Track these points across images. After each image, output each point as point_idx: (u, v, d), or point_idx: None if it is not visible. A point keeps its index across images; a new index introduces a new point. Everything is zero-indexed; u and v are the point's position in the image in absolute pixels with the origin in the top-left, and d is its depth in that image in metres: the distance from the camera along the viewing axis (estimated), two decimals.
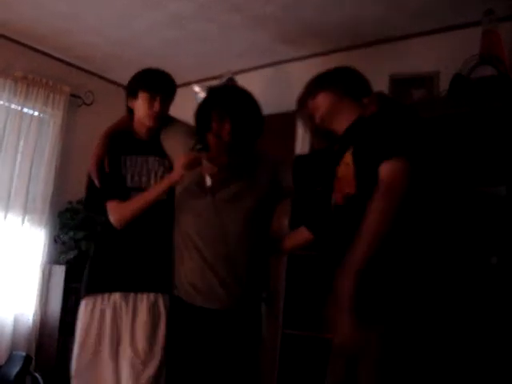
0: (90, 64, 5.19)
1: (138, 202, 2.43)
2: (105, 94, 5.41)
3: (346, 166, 2.11)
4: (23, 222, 4.62)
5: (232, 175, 2.44)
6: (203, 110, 2.44)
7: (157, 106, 2.54)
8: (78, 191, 4.89)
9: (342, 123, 2.22)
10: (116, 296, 2.43)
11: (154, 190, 2.44)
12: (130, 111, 2.68)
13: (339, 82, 2.26)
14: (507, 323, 2.81)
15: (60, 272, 4.59)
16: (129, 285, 2.44)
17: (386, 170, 1.89)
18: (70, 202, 4.88)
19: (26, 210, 4.64)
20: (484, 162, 3.13)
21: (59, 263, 4.67)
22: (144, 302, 2.41)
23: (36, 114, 4.82)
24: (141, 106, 2.57)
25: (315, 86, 2.31)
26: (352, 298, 1.83)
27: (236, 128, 2.33)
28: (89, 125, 5.24)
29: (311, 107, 2.30)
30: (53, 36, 4.63)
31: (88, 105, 5.26)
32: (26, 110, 4.74)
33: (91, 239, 4.64)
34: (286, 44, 3.90)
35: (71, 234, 4.68)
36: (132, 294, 2.43)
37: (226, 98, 2.45)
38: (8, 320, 4.43)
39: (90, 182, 2.61)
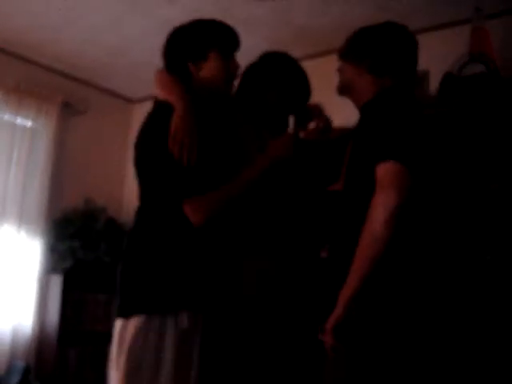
0: (83, 72, 5.19)
1: (230, 192, 2.04)
2: (98, 102, 5.43)
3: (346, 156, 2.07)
4: (19, 233, 4.60)
5: None
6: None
7: (236, 64, 2.24)
8: (73, 200, 4.93)
9: (359, 99, 2.10)
10: (183, 317, 1.99)
11: (254, 171, 2.09)
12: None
13: (363, 54, 2.08)
14: (502, 325, 2.81)
15: (57, 281, 4.58)
16: (199, 303, 2.04)
17: (381, 173, 1.77)
18: (65, 211, 4.87)
19: (21, 220, 4.62)
20: (476, 160, 3.14)
21: (56, 272, 4.66)
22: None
23: (29, 123, 4.81)
24: (216, 68, 2.18)
25: (344, 49, 2.18)
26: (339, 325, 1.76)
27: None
28: (82, 133, 5.27)
29: (338, 67, 2.19)
30: (44, 45, 4.63)
31: (81, 113, 5.26)
32: (18, 120, 4.73)
33: (89, 247, 4.64)
34: (278, 47, 3.90)
35: (67, 242, 4.68)
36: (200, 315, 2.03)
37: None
38: (6, 331, 4.41)
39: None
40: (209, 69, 2.15)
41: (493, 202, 3.01)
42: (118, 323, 2.01)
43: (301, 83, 2.38)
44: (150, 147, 2.05)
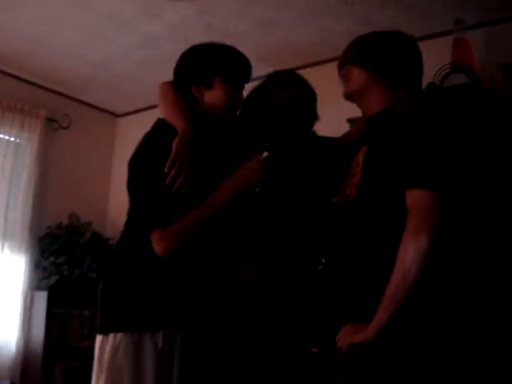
0: (66, 87, 5.18)
1: (195, 220, 1.98)
2: (81, 117, 5.41)
3: (356, 166, 1.97)
4: (3, 249, 4.56)
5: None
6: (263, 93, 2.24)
7: (241, 98, 2.15)
8: (57, 216, 4.90)
9: (368, 108, 1.99)
10: (167, 335, 1.98)
11: (219, 199, 2.00)
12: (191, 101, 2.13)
13: (382, 64, 1.95)
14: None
15: (42, 298, 4.53)
16: (177, 322, 2.03)
17: (415, 201, 1.68)
18: (50, 227, 4.85)
19: (5, 237, 4.58)
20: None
21: (41, 289, 4.62)
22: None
23: (12, 139, 4.78)
24: (218, 97, 2.09)
25: (357, 53, 2.01)
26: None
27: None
28: (66, 148, 5.25)
29: (344, 73, 2.04)
30: (26, 60, 4.61)
31: (64, 128, 5.24)
32: (1, 135, 4.71)
33: (74, 263, 4.61)
34: (262, 60, 3.92)
35: (52, 258, 4.64)
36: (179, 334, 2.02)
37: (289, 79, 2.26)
38: None
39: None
40: (212, 96, 2.08)
41: None
42: (98, 339, 2.01)
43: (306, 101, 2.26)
44: (143, 167, 2.01)
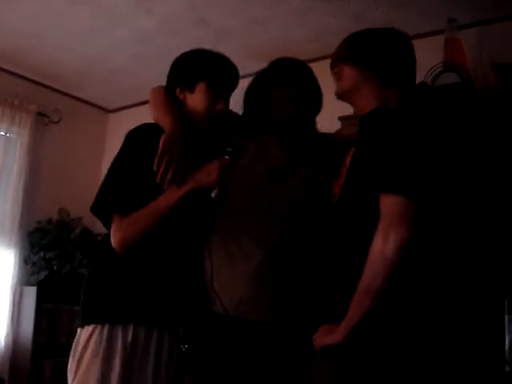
0: (57, 82, 5.16)
1: (146, 215, 1.95)
2: (72, 112, 5.39)
3: (344, 167, 1.97)
4: None
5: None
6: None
7: (221, 105, 2.11)
8: (47, 211, 4.88)
9: (360, 107, 1.97)
10: (141, 331, 1.98)
11: (173, 194, 1.96)
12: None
13: (374, 61, 1.92)
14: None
15: (31, 293, 4.52)
16: (155, 319, 2.01)
17: (386, 206, 1.66)
18: (40, 222, 4.83)
19: None
20: (450, 168, 3.17)
21: (30, 284, 4.61)
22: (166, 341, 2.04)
23: (2, 133, 4.77)
24: (199, 101, 2.09)
25: (348, 51, 1.99)
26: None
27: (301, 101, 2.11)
28: (56, 143, 5.23)
29: (336, 72, 2.02)
30: (17, 54, 4.59)
31: (55, 123, 5.22)
32: None
33: (64, 258, 4.59)
34: (255, 58, 3.92)
35: (41, 254, 4.63)
36: (156, 331, 2.01)
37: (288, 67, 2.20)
38: None
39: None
40: (193, 100, 2.08)
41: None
42: (77, 333, 2.02)
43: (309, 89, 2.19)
44: (119, 155, 2.05)
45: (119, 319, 1.96)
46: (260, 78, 2.24)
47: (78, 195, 5.32)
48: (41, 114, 5.07)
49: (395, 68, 1.93)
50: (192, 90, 2.08)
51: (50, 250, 4.63)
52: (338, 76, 2.01)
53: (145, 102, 5.39)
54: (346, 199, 1.88)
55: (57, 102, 5.27)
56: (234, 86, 2.15)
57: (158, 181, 1.91)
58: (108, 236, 2.05)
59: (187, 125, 2.06)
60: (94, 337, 1.93)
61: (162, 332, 2.02)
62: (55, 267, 4.56)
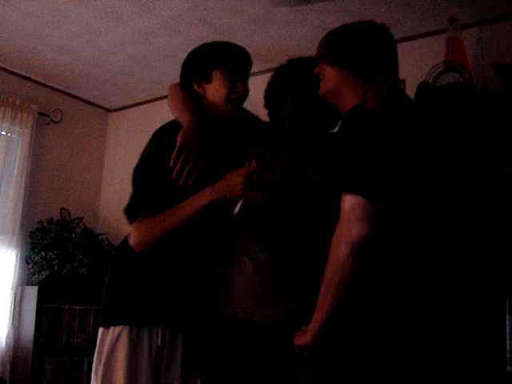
0: (58, 82, 5.16)
1: (169, 219, 1.94)
2: (73, 112, 5.39)
3: None
4: None
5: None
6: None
7: (241, 87, 2.10)
8: (49, 210, 4.88)
9: (343, 105, 1.92)
10: (166, 332, 2.01)
11: (196, 202, 1.94)
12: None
13: (351, 58, 1.89)
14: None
15: (32, 293, 4.52)
16: (180, 320, 2.05)
17: (344, 205, 1.64)
18: (41, 222, 4.83)
19: None
20: (451, 168, 3.17)
21: (31, 284, 4.61)
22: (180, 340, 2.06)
23: (4, 133, 4.76)
24: (218, 88, 2.09)
25: (326, 51, 1.96)
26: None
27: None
28: (58, 143, 5.23)
29: (318, 71, 1.98)
30: (19, 54, 4.59)
31: (56, 123, 5.22)
32: None
33: (65, 258, 4.59)
34: (255, 57, 3.92)
35: (43, 253, 4.62)
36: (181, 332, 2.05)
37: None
38: None
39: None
40: (213, 89, 2.08)
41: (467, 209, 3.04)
42: (99, 332, 2.03)
43: None
44: (143, 160, 2.04)
45: (146, 322, 1.97)
46: (269, 86, 2.23)
47: (80, 195, 5.35)
48: (42, 114, 5.07)
49: (375, 63, 1.89)
50: (209, 81, 2.08)
51: (51, 250, 4.63)
52: (320, 76, 1.98)
53: (145, 102, 5.43)
54: (320, 199, 1.90)
55: (58, 102, 5.28)
56: (248, 66, 2.16)
57: (173, 177, 1.91)
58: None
59: (206, 119, 2.06)
60: (122, 340, 1.94)
61: (186, 333, 2.05)
62: (56, 267, 4.56)
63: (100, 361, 1.98)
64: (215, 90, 2.08)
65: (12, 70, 4.88)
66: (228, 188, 1.92)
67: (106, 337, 1.98)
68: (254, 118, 2.29)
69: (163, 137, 2.05)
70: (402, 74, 3.76)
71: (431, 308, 2.88)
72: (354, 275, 1.61)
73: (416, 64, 3.62)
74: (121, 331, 1.95)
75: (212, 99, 2.09)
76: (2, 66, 4.80)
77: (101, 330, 2.03)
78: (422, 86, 3.39)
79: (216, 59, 2.08)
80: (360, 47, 1.90)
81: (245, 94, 2.11)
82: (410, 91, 3.52)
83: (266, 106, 2.22)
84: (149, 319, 1.98)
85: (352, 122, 1.81)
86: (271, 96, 2.19)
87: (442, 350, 2.90)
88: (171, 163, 1.91)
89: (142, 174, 2.02)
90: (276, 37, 4.04)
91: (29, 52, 4.54)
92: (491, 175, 3.02)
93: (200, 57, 2.13)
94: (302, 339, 1.73)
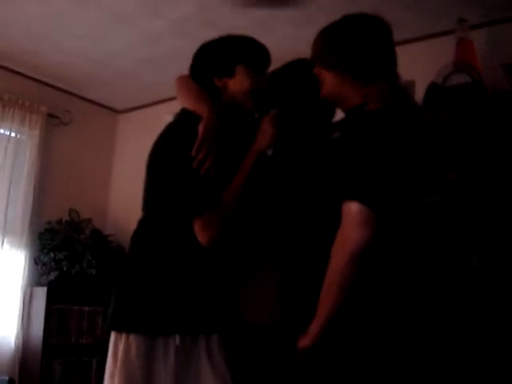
0: (67, 83, 5.17)
1: (229, 200, 1.94)
2: (82, 113, 5.40)
3: None
4: (3, 244, 4.56)
5: None
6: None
7: (264, 81, 2.14)
8: (58, 211, 4.89)
9: (345, 107, 1.94)
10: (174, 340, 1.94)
11: (242, 170, 1.99)
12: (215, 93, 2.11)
13: (347, 62, 1.87)
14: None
15: (42, 293, 4.53)
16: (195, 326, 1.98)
17: (345, 213, 1.64)
18: (50, 223, 4.84)
19: (5, 232, 4.58)
20: (461, 169, 3.16)
21: (40, 285, 4.62)
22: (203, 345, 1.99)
23: (13, 134, 4.77)
24: (243, 83, 2.09)
25: (320, 54, 1.97)
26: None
27: None
28: (67, 144, 5.24)
29: (316, 73, 1.99)
30: (28, 56, 4.60)
31: (65, 124, 5.23)
32: (2, 130, 4.70)
33: (74, 259, 4.60)
34: None
35: (52, 254, 4.64)
36: (189, 338, 1.97)
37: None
38: None
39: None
40: (235, 84, 2.08)
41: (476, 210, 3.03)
42: (112, 335, 1.98)
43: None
44: (172, 156, 1.96)
45: (160, 331, 1.92)
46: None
47: (88, 196, 5.36)
48: (51, 116, 5.08)
49: (373, 65, 1.87)
50: (232, 75, 2.08)
51: (59, 251, 4.64)
52: (318, 78, 1.98)
53: (154, 103, 5.44)
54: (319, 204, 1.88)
55: (67, 104, 5.29)
56: (269, 60, 2.18)
57: (194, 166, 1.88)
58: (146, 241, 2.03)
59: (224, 110, 2.05)
60: (135, 346, 1.89)
61: (209, 339, 1.99)
62: (65, 268, 4.57)
63: (115, 365, 1.92)
64: (238, 85, 2.07)
65: (21, 71, 4.89)
66: (262, 137, 2.01)
67: (119, 342, 1.93)
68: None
69: (185, 129, 1.98)
70: (411, 75, 3.79)
71: (440, 308, 2.87)
72: (354, 280, 1.61)
73: (425, 65, 3.61)
74: (134, 339, 1.90)
75: (234, 93, 2.08)
76: (12, 67, 4.82)
77: (113, 333, 1.97)
78: (432, 87, 3.38)
79: (240, 54, 2.10)
80: (356, 49, 1.88)
81: (265, 85, 2.14)
82: (420, 92, 3.52)
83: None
84: (164, 328, 1.93)
85: (354, 127, 1.79)
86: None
87: (451, 349, 2.89)
88: (193, 152, 1.88)
89: (181, 171, 1.93)
90: (283, 38, 4.03)
91: (38, 54, 4.56)
92: (501, 176, 3.01)
93: (223, 51, 2.12)
94: (303, 341, 1.73)
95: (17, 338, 4.51)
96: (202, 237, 1.90)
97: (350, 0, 3.56)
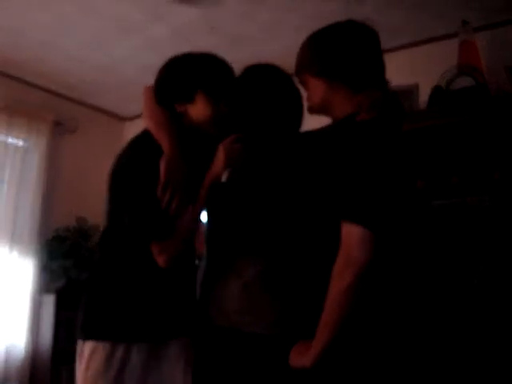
0: (73, 91, 5.20)
1: (186, 226, 1.96)
2: (88, 121, 5.43)
3: None
4: (11, 252, 4.58)
5: None
6: None
7: (225, 108, 2.04)
8: (65, 219, 4.91)
9: (336, 116, 1.86)
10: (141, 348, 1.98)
11: (197, 203, 1.98)
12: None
13: (338, 70, 1.81)
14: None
15: (50, 301, 4.56)
16: (154, 334, 2.00)
17: (345, 234, 1.61)
18: (57, 230, 4.86)
19: (13, 240, 4.60)
20: (466, 172, 3.16)
21: (49, 292, 4.64)
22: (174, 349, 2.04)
23: (20, 143, 4.80)
24: (202, 111, 2.01)
25: (310, 61, 1.89)
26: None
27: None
28: (73, 152, 5.26)
29: (302, 81, 1.94)
30: (33, 64, 4.63)
31: (72, 132, 5.26)
32: (9, 139, 4.72)
33: (82, 266, 4.61)
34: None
35: (60, 262, 4.66)
36: (154, 346, 2.00)
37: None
38: None
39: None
40: (196, 111, 2.00)
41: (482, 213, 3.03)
42: (79, 343, 2.01)
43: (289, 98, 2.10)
44: (132, 180, 1.95)
45: (121, 338, 1.95)
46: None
47: (96, 203, 5.35)
48: (58, 123, 5.11)
49: (363, 71, 1.81)
50: (192, 101, 2.00)
51: (67, 258, 4.66)
52: (304, 85, 1.93)
53: None
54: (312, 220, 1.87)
55: (73, 111, 5.31)
56: (232, 84, 2.07)
57: (162, 208, 1.89)
58: (109, 252, 2.07)
59: (186, 141, 2.02)
60: (96, 353, 1.93)
61: (175, 345, 2.03)
62: (73, 275, 4.59)
63: (79, 372, 1.97)
64: (199, 111, 2.00)
65: (27, 79, 4.91)
66: (215, 164, 1.97)
67: (83, 350, 1.97)
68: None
69: (145, 154, 1.96)
70: (414, 78, 3.81)
71: (446, 313, 2.87)
72: (357, 300, 1.60)
73: (428, 68, 3.62)
74: (96, 346, 1.93)
75: (196, 119, 2.01)
76: (17, 75, 4.84)
77: (80, 342, 2.00)
78: (436, 91, 3.38)
79: (200, 80, 1.99)
80: (345, 55, 1.82)
81: (228, 113, 2.05)
82: (424, 95, 3.53)
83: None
84: (127, 335, 1.95)
85: (347, 137, 1.72)
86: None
87: (457, 355, 2.88)
88: (158, 194, 1.88)
89: (136, 195, 1.93)
90: (287, 43, 4.04)
91: (43, 62, 4.58)
92: (506, 179, 3.01)
93: (182, 76, 2.02)
94: (301, 361, 1.70)
95: (26, 345, 4.53)
96: (159, 260, 1.92)
97: (354, 5, 3.58)
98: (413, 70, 3.77)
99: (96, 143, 5.54)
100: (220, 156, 1.97)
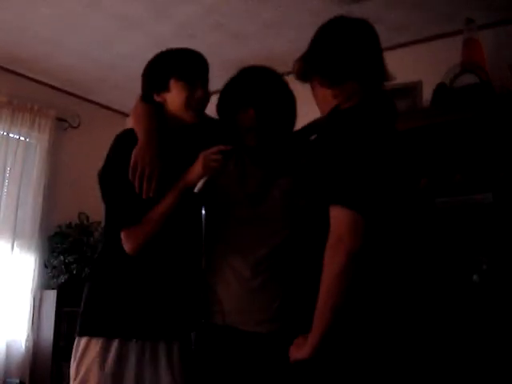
0: (76, 87, 5.19)
1: (151, 220, 1.98)
2: (91, 117, 5.42)
3: None
4: (13, 248, 4.57)
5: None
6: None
7: (200, 93, 2.09)
8: (67, 215, 4.91)
9: (323, 111, 1.95)
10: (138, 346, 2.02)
11: (165, 199, 2.00)
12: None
13: (317, 68, 1.93)
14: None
15: (51, 297, 4.55)
16: (149, 331, 2.04)
17: (334, 218, 1.63)
18: (59, 226, 4.87)
19: (15, 236, 4.59)
20: (470, 169, 3.15)
21: (50, 288, 4.64)
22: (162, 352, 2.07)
23: (22, 138, 4.79)
24: (176, 97, 2.09)
25: (307, 70, 2.00)
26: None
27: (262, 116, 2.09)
28: (76, 148, 5.25)
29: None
30: (36, 60, 4.63)
31: (74, 128, 5.25)
32: (11, 135, 4.71)
33: (83, 262, 4.61)
34: (270, 61, 3.92)
35: (61, 257, 4.65)
36: (149, 343, 2.04)
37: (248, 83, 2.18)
38: (0, 347, 4.38)
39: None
40: (171, 98, 2.09)
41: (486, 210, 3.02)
42: (76, 340, 2.06)
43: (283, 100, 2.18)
44: (108, 173, 2.10)
45: (115, 334, 1.99)
46: (225, 97, 2.22)
47: (98, 199, 5.32)
48: (60, 119, 5.10)
49: (339, 65, 1.88)
50: (168, 90, 2.08)
51: (69, 254, 4.66)
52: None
53: None
54: (305, 208, 1.90)
55: (76, 107, 5.31)
56: (205, 70, 2.15)
57: (136, 192, 1.96)
58: (105, 250, 2.14)
59: (161, 132, 2.08)
60: (90, 349, 1.98)
61: (171, 344, 2.06)
62: (75, 271, 4.59)
63: (75, 369, 2.01)
64: (174, 99, 2.08)
65: (30, 75, 4.91)
66: (190, 172, 1.99)
67: (78, 346, 2.02)
68: (216, 123, 2.26)
69: (123, 147, 2.07)
70: (418, 76, 3.80)
71: (446, 311, 2.86)
72: (350, 284, 1.60)
73: (432, 66, 3.61)
74: (90, 342, 1.99)
75: (172, 107, 2.09)
76: (20, 71, 4.83)
77: (76, 338, 2.05)
78: (440, 88, 3.37)
79: (171, 68, 2.09)
80: (320, 53, 1.95)
81: (204, 99, 2.11)
82: (427, 93, 3.52)
83: (221, 116, 2.21)
84: (122, 332, 2.00)
85: (328, 128, 1.80)
86: (227, 108, 2.18)
87: (457, 353, 2.87)
88: (130, 178, 1.96)
89: (112, 185, 2.07)
90: (291, 41, 4.03)
91: (46, 58, 4.58)
92: (509, 177, 3.00)
93: (156, 67, 2.15)
94: (300, 353, 1.71)
95: (27, 341, 4.53)
96: (125, 246, 1.98)
97: (358, 3, 3.57)
98: (417, 67, 3.77)
99: (98, 139, 5.50)
100: (197, 164, 1.99)
